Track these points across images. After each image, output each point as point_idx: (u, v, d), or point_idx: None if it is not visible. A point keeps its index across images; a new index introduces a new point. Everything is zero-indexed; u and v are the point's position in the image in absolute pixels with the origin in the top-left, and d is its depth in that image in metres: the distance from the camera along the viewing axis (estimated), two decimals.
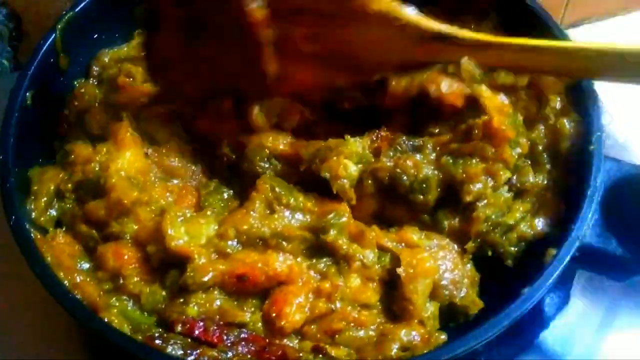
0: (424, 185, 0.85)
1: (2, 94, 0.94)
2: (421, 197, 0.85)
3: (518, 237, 0.86)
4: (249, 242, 0.81)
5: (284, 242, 0.81)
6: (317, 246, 0.82)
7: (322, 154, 0.86)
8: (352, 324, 0.79)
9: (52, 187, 0.90)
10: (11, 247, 0.84)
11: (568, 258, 0.78)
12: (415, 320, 0.80)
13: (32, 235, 0.84)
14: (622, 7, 1.35)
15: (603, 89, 0.88)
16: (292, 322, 0.78)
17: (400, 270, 0.80)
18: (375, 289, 0.82)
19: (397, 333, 0.78)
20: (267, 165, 0.89)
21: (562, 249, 0.79)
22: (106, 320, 0.78)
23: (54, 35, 0.99)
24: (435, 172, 0.85)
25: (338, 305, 0.80)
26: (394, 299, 0.82)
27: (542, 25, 0.95)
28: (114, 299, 0.81)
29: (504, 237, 0.86)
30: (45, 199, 0.90)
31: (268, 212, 0.84)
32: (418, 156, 0.86)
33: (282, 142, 0.90)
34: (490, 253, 0.86)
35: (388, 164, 0.86)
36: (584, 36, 1.30)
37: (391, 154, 0.87)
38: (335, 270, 0.81)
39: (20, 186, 0.89)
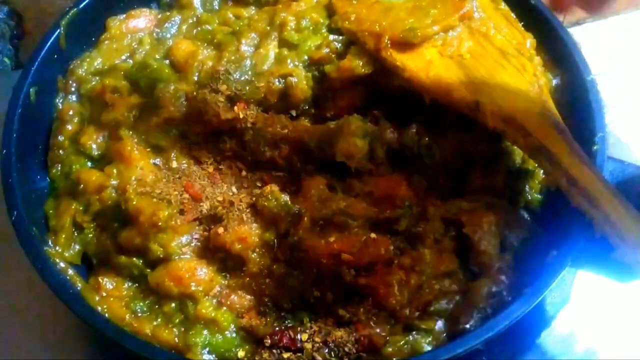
0: (429, 149, 0.87)
1: (4, 92, 0.94)
2: (429, 159, 0.87)
3: (540, 183, 0.89)
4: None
5: (349, 220, 0.81)
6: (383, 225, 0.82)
7: (328, 140, 0.86)
8: (439, 294, 0.79)
9: (68, 220, 0.87)
10: (9, 244, 0.85)
11: (569, 259, 0.78)
12: (495, 270, 0.80)
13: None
14: (625, 5, 1.34)
15: (605, 87, 0.87)
16: (400, 302, 0.78)
17: (466, 230, 0.82)
18: (450, 258, 0.82)
19: (483, 285, 0.79)
20: (273, 149, 0.88)
21: (563, 250, 0.79)
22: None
23: (58, 31, 0.98)
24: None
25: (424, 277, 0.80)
26: (469, 260, 0.83)
27: (545, 23, 0.95)
28: (192, 334, 0.79)
29: (527, 186, 0.89)
30: (64, 235, 0.87)
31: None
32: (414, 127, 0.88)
33: (280, 125, 0.89)
34: (523, 203, 0.89)
35: (391, 135, 0.87)
36: (586, 35, 1.29)
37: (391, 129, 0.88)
38: (410, 247, 0.82)
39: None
